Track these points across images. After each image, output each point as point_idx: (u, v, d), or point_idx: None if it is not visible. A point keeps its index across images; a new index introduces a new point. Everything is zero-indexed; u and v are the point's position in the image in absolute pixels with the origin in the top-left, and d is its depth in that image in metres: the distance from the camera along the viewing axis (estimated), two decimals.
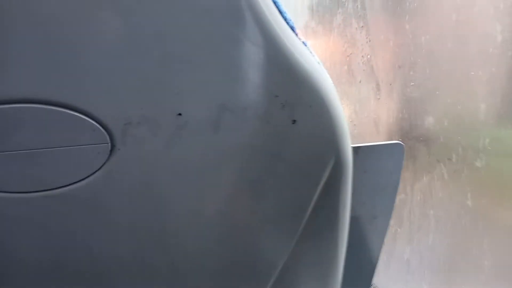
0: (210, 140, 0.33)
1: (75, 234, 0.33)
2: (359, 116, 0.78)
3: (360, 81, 0.79)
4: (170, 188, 0.33)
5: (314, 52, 0.38)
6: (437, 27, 0.63)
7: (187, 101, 0.31)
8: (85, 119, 0.29)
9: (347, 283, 0.45)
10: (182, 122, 0.31)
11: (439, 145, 0.60)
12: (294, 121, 0.35)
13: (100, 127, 0.30)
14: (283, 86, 0.35)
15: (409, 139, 0.65)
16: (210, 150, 0.33)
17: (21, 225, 0.32)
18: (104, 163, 0.31)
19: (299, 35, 0.37)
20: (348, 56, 0.83)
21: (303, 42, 0.37)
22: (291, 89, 0.35)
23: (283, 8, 0.36)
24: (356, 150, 0.41)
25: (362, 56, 0.79)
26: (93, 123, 0.30)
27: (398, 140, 0.45)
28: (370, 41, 0.78)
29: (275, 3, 0.35)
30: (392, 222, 0.47)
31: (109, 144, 0.30)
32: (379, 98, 0.74)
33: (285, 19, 0.36)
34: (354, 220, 0.44)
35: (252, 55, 0.33)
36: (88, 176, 0.31)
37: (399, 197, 0.50)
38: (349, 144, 0.38)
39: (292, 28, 0.36)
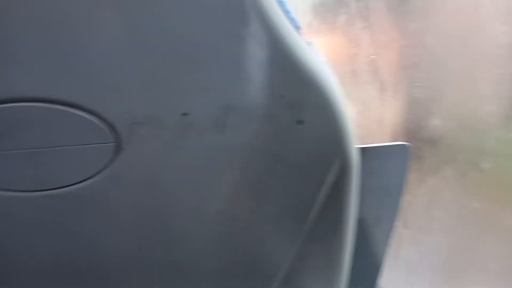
0: (216, 140, 0.32)
1: (80, 233, 0.33)
2: (363, 117, 0.77)
3: (364, 82, 0.79)
4: (175, 188, 0.33)
5: (319, 52, 0.38)
6: (442, 28, 0.63)
7: (193, 101, 0.31)
8: (91, 119, 0.29)
9: (352, 285, 0.45)
10: (188, 122, 0.31)
11: (444, 146, 0.60)
12: (300, 122, 0.35)
13: (106, 127, 0.30)
14: (288, 86, 0.34)
15: (414, 140, 0.65)
16: (216, 150, 0.33)
17: (26, 223, 0.32)
18: (110, 162, 0.31)
19: (304, 35, 0.37)
20: (351, 56, 0.83)
21: (308, 42, 0.37)
22: (297, 90, 0.35)
23: (289, 8, 0.36)
24: (361, 151, 0.41)
25: (366, 56, 0.79)
26: (99, 123, 0.30)
27: (404, 142, 0.45)
28: (374, 41, 0.77)
29: (280, 3, 0.35)
30: (397, 223, 0.47)
31: (115, 143, 0.30)
32: (383, 99, 0.73)
33: (291, 19, 0.36)
34: (359, 221, 0.43)
35: (258, 55, 0.33)
36: (94, 175, 0.31)
37: (405, 198, 0.50)
38: (355, 145, 0.38)
39: (298, 28, 0.36)
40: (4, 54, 0.28)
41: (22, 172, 0.30)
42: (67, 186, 0.31)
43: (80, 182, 0.31)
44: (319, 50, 0.39)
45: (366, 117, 0.76)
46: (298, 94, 0.35)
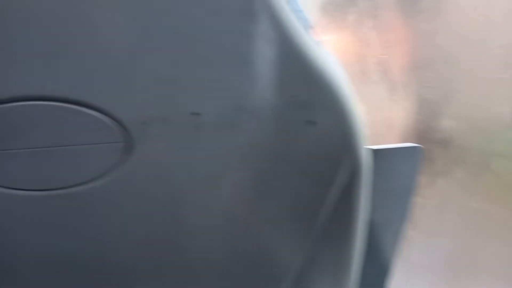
0: (226, 140, 0.32)
1: (88, 232, 0.33)
2: (372, 118, 0.76)
3: (373, 82, 0.78)
4: (184, 188, 0.33)
5: (330, 52, 0.38)
6: (454, 27, 0.62)
7: (203, 101, 0.31)
8: (102, 118, 0.29)
9: (361, 287, 0.44)
10: (198, 122, 0.31)
11: (455, 148, 0.59)
12: (310, 122, 0.34)
13: (117, 126, 0.30)
14: (299, 86, 0.34)
15: (425, 141, 0.64)
16: (225, 150, 0.33)
17: (34, 223, 0.32)
18: (120, 162, 0.31)
19: (315, 34, 0.36)
20: (360, 56, 0.82)
21: (319, 42, 0.36)
22: (307, 90, 0.34)
23: (300, 7, 0.36)
24: (372, 152, 0.41)
25: (376, 56, 0.78)
26: (110, 122, 0.29)
27: (414, 143, 0.44)
28: (384, 41, 0.76)
29: (291, 2, 0.34)
30: (407, 226, 0.46)
31: (125, 143, 0.30)
32: (393, 99, 0.73)
33: (302, 18, 0.35)
34: (368, 223, 0.43)
35: (268, 55, 0.32)
36: (103, 175, 0.31)
37: (415, 200, 0.50)
38: (366, 146, 0.38)
39: (309, 28, 0.36)
40: (15, 53, 0.28)
41: (31, 171, 0.30)
42: (76, 185, 0.31)
43: (91, 181, 0.31)
44: (330, 49, 0.38)
45: (375, 118, 0.76)
46: (308, 94, 0.34)
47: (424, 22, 0.66)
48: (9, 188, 0.30)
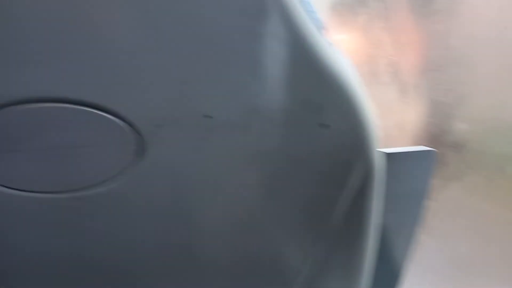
0: (238, 142, 0.32)
1: (100, 234, 0.33)
2: (383, 120, 0.76)
3: (384, 83, 0.77)
4: (196, 191, 0.33)
5: (343, 53, 0.37)
6: (467, 28, 0.61)
7: (216, 103, 0.31)
8: (114, 120, 0.29)
9: None
10: (210, 125, 0.31)
11: (469, 151, 0.58)
12: (322, 125, 0.34)
13: (129, 129, 0.29)
14: (311, 88, 0.34)
15: (437, 145, 0.63)
16: (238, 152, 0.32)
17: (46, 224, 0.32)
18: (132, 164, 0.31)
19: (328, 35, 0.36)
20: (371, 57, 0.82)
21: (332, 43, 0.36)
22: (320, 92, 0.34)
23: (313, 8, 0.35)
24: (386, 155, 0.40)
25: (387, 57, 0.77)
26: (122, 124, 0.29)
27: (426, 146, 0.44)
28: (395, 42, 0.76)
29: (304, 3, 0.34)
30: (420, 230, 0.46)
31: (138, 145, 0.30)
32: (405, 102, 0.72)
33: (314, 20, 0.35)
34: (380, 227, 0.42)
35: (280, 57, 0.32)
36: (116, 177, 0.31)
37: (428, 205, 0.49)
38: (378, 149, 0.37)
39: (321, 29, 0.35)
40: (29, 54, 0.28)
41: (43, 173, 0.30)
42: (88, 187, 0.31)
43: (102, 183, 0.31)
44: (343, 50, 0.38)
45: (386, 120, 0.75)
46: (321, 96, 0.34)
47: (437, 23, 0.65)
48: (21, 190, 0.30)
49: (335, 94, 0.34)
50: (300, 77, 0.33)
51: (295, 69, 0.32)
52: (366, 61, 0.81)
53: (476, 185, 0.57)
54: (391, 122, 0.73)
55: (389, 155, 0.40)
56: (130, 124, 0.29)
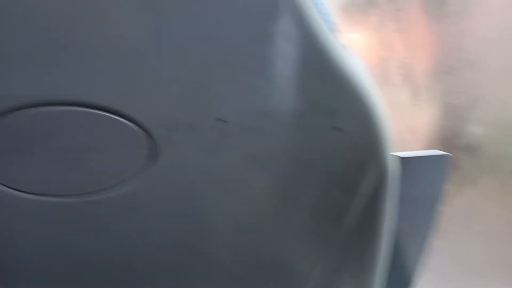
0: (251, 146, 0.32)
1: (112, 237, 0.33)
2: (394, 123, 0.75)
3: (396, 86, 0.77)
4: (209, 194, 0.33)
5: (357, 55, 0.37)
6: (481, 30, 0.60)
7: (229, 107, 0.30)
8: (127, 123, 0.29)
9: None
10: (223, 128, 0.30)
11: (483, 155, 0.57)
12: (335, 129, 0.33)
13: (142, 132, 0.29)
14: (324, 91, 0.33)
15: (451, 148, 0.62)
16: (251, 156, 0.32)
17: (57, 227, 0.32)
18: (145, 168, 0.30)
19: (341, 38, 0.35)
20: (383, 59, 0.81)
21: (345, 45, 0.36)
22: (333, 95, 0.33)
23: (326, 9, 0.35)
24: (400, 159, 0.39)
25: (399, 59, 0.76)
26: (135, 128, 0.29)
27: (439, 149, 0.43)
28: (407, 43, 0.75)
29: (317, 4, 0.34)
30: (433, 236, 0.45)
31: (150, 149, 0.30)
32: (417, 104, 0.71)
33: (328, 22, 0.34)
34: (394, 232, 0.42)
35: (293, 60, 0.32)
36: (128, 181, 0.31)
37: (441, 210, 0.48)
38: (392, 153, 0.36)
39: (335, 31, 0.35)
40: (39, 58, 0.28)
41: (54, 176, 0.30)
42: (101, 190, 0.31)
43: (114, 187, 0.31)
44: (356, 52, 0.37)
45: (398, 123, 0.74)
46: (334, 99, 0.34)
47: (450, 25, 0.64)
48: (34, 193, 0.30)
49: (349, 97, 0.34)
50: (313, 79, 0.33)
51: (308, 72, 0.32)
52: (377, 63, 0.80)
53: (491, 189, 0.56)
54: (403, 125, 0.72)
55: (403, 159, 0.40)
56: (143, 128, 0.29)
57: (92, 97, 0.28)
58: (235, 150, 0.31)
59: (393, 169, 0.37)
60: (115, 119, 0.29)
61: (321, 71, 0.33)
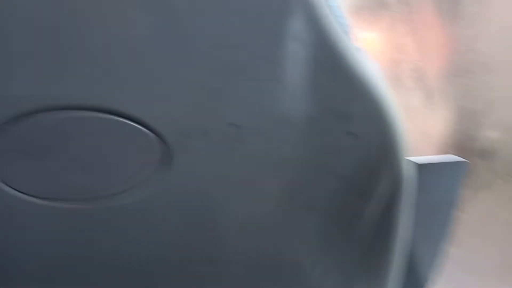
0: (265, 151, 0.31)
1: (124, 242, 0.33)
2: (408, 127, 0.74)
3: (409, 89, 0.76)
4: (222, 199, 0.33)
5: (371, 58, 0.36)
6: (497, 32, 0.59)
7: (243, 112, 0.30)
8: (140, 129, 0.29)
9: None
10: (238, 134, 0.30)
11: (498, 160, 0.56)
12: (350, 133, 0.33)
13: (155, 138, 0.29)
14: (339, 95, 0.33)
15: (465, 153, 0.61)
16: (265, 162, 0.32)
17: (70, 232, 0.32)
18: (157, 173, 0.30)
19: (355, 40, 0.35)
20: (395, 61, 0.80)
21: (359, 48, 0.35)
22: (348, 99, 0.33)
23: (340, 12, 0.34)
24: (415, 165, 0.39)
25: (411, 62, 0.75)
26: (148, 133, 0.29)
27: (453, 154, 0.42)
28: (420, 46, 0.74)
29: (331, 7, 0.33)
30: (447, 243, 0.44)
31: (163, 154, 0.30)
32: (430, 108, 0.70)
33: (342, 24, 0.34)
34: (408, 238, 0.41)
35: (308, 63, 0.31)
36: (141, 186, 0.30)
37: (456, 216, 0.47)
38: (408, 159, 0.36)
39: (349, 34, 0.34)
40: (51, 63, 0.28)
41: (67, 181, 0.30)
42: (112, 195, 0.31)
43: (126, 192, 0.31)
44: (370, 55, 0.37)
45: (411, 127, 0.73)
46: (348, 103, 0.33)
47: (464, 27, 0.63)
48: (46, 198, 0.30)
49: (364, 100, 0.33)
50: (327, 83, 0.32)
51: (322, 75, 0.32)
52: (389, 66, 0.79)
53: (507, 195, 0.55)
54: (416, 129, 0.71)
55: (418, 165, 0.39)
56: (156, 133, 0.29)
57: (105, 102, 0.28)
58: (249, 155, 0.31)
59: (408, 174, 0.36)
60: (128, 124, 0.29)
61: (336, 75, 0.32)
